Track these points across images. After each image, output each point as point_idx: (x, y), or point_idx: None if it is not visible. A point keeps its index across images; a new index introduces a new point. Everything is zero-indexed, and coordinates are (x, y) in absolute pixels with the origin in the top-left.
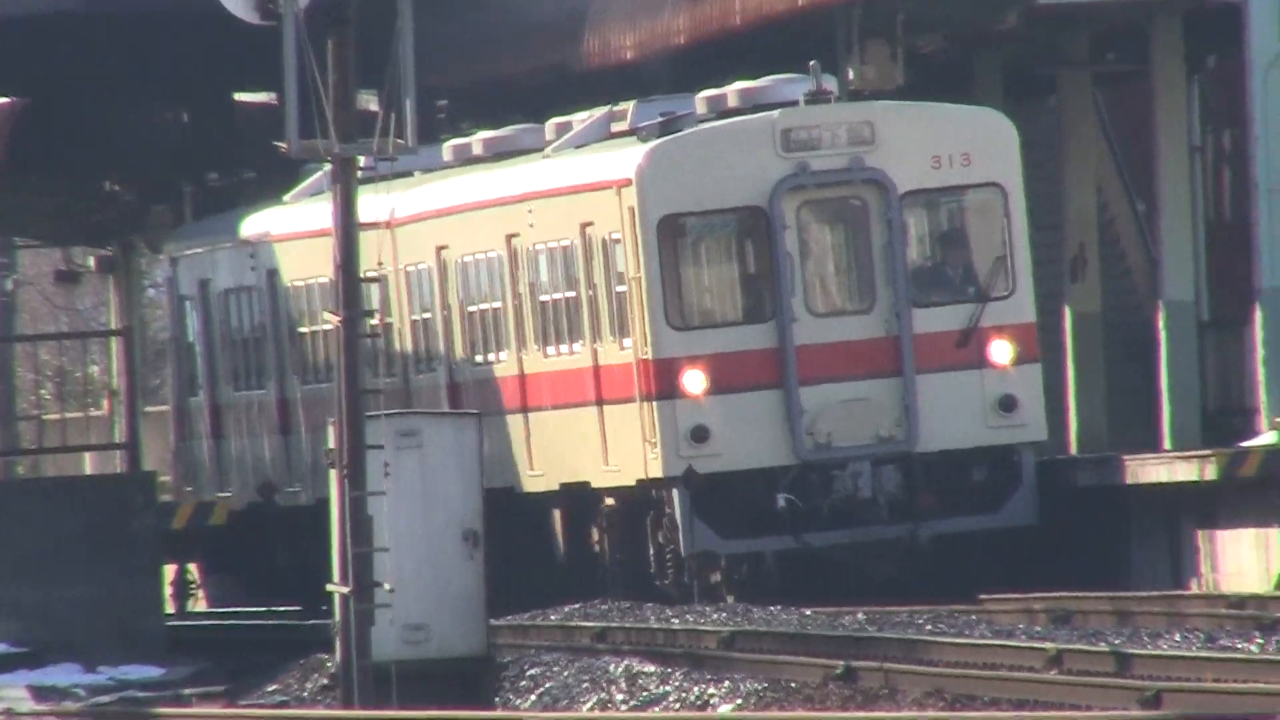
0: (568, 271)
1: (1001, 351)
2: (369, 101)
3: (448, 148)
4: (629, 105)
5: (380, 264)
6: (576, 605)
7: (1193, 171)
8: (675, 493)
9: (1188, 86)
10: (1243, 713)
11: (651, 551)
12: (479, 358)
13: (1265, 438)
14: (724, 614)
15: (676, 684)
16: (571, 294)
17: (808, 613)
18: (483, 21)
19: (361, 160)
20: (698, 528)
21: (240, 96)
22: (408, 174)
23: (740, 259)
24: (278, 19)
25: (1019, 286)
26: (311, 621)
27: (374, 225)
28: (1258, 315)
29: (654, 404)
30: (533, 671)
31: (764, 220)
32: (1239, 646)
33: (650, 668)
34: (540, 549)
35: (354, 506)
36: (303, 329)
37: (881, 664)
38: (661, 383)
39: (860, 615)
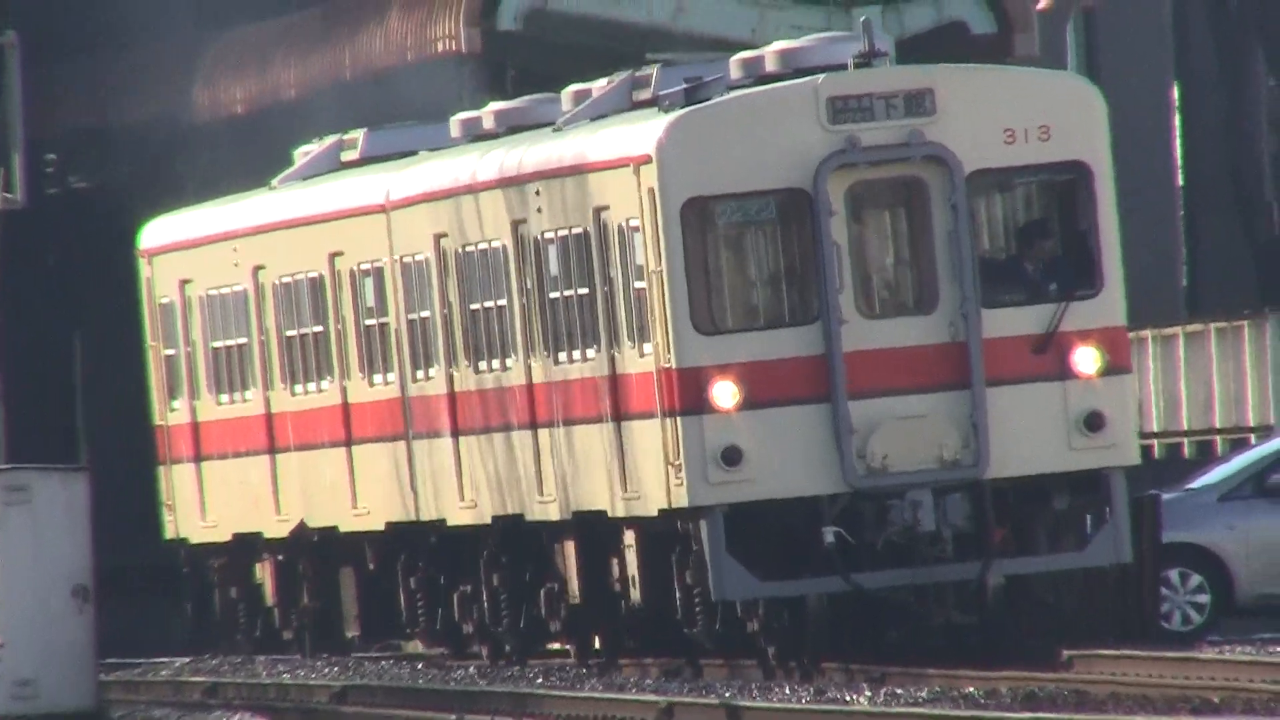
0: (580, 265)
1: (1087, 360)
2: None
3: (455, 123)
4: (653, 70)
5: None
6: (188, 659)
7: None
8: (704, 526)
9: None
10: None
11: (678, 595)
12: (483, 364)
13: None
14: (335, 669)
15: None
16: (584, 291)
17: (419, 666)
18: (94, 68)
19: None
20: (730, 568)
21: None
22: (411, 153)
23: (779, 250)
24: None
25: (1108, 283)
26: None
27: (369, 210)
28: None
29: (678, 421)
30: None
31: (807, 204)
32: (848, 699)
33: None
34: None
35: None
36: (290, 332)
37: (492, 717)
38: (687, 396)
39: (471, 669)
